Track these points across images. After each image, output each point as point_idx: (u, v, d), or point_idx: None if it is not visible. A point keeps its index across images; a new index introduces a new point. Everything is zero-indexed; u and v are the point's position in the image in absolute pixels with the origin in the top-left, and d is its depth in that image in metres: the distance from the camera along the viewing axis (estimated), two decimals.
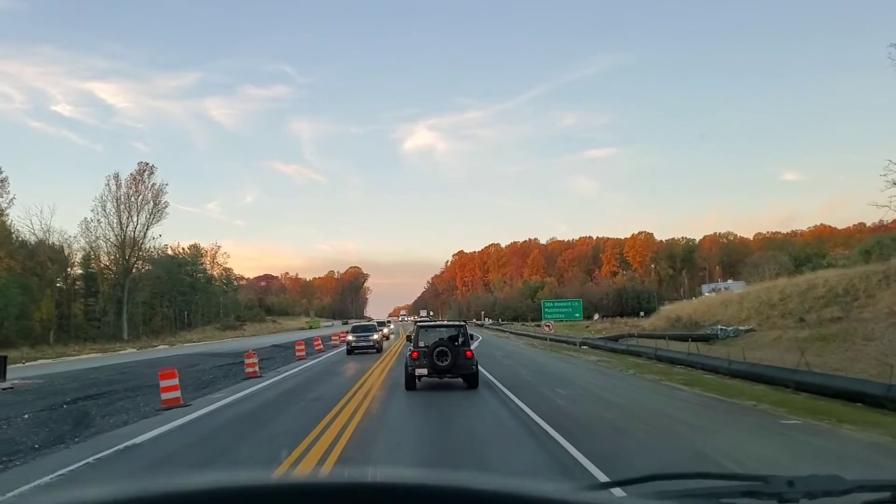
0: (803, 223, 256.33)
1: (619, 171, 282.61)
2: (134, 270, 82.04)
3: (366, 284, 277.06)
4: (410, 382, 17.34)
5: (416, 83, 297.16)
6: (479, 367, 18.18)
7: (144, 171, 78.99)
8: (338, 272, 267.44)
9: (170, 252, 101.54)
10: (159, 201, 79.39)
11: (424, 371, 17.17)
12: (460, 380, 17.54)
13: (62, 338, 69.00)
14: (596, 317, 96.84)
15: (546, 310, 36.29)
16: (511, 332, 68.34)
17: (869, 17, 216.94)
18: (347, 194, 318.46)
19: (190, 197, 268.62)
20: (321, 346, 36.29)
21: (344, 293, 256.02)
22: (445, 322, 27.26)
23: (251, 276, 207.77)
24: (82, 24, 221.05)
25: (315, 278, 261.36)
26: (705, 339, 37.69)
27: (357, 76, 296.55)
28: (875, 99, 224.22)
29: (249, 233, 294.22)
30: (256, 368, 23.05)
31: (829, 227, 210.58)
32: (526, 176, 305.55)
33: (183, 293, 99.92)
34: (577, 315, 37.01)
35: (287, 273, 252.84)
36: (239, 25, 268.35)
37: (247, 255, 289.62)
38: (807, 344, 27.37)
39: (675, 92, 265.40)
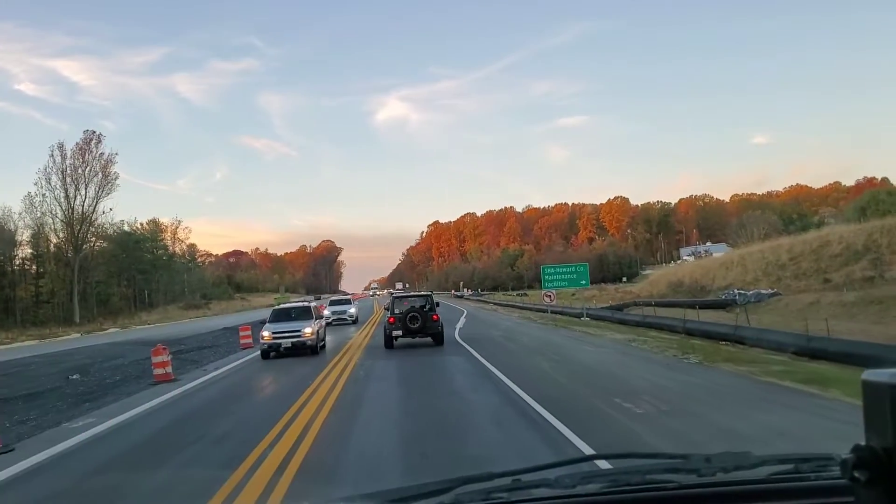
0: (775, 185, 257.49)
1: (591, 139, 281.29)
2: (86, 248, 75.80)
3: (340, 258, 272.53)
4: (389, 342, 21.39)
5: (387, 53, 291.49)
6: (486, 362, 16.98)
7: (91, 139, 72.47)
8: (310, 246, 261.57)
9: (127, 228, 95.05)
10: (109, 172, 73.01)
11: (400, 332, 21.10)
12: (430, 339, 21.57)
13: (5, 323, 63.13)
14: None
15: (546, 277, 30.74)
16: (496, 304, 63.49)
17: None
18: (320, 168, 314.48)
19: (159, 174, 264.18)
20: None
21: (317, 267, 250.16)
22: (415, 293, 32.39)
23: (221, 253, 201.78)
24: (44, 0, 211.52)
25: (287, 253, 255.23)
26: (721, 305, 33.37)
27: (327, 47, 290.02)
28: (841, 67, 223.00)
29: (221, 210, 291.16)
30: (168, 369, 16.86)
31: (806, 186, 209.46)
32: (500, 145, 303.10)
33: (142, 271, 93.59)
34: (584, 282, 31.49)
35: (258, 248, 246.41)
36: None
37: (219, 233, 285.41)
38: (859, 309, 23.08)
39: (646, 59, 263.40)
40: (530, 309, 44.81)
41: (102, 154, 72.83)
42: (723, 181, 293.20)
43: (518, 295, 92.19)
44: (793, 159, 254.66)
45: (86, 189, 71.70)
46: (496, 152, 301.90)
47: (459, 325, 29.68)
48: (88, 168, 71.67)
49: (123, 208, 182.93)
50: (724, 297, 36.28)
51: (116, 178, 74.40)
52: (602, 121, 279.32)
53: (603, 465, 3.65)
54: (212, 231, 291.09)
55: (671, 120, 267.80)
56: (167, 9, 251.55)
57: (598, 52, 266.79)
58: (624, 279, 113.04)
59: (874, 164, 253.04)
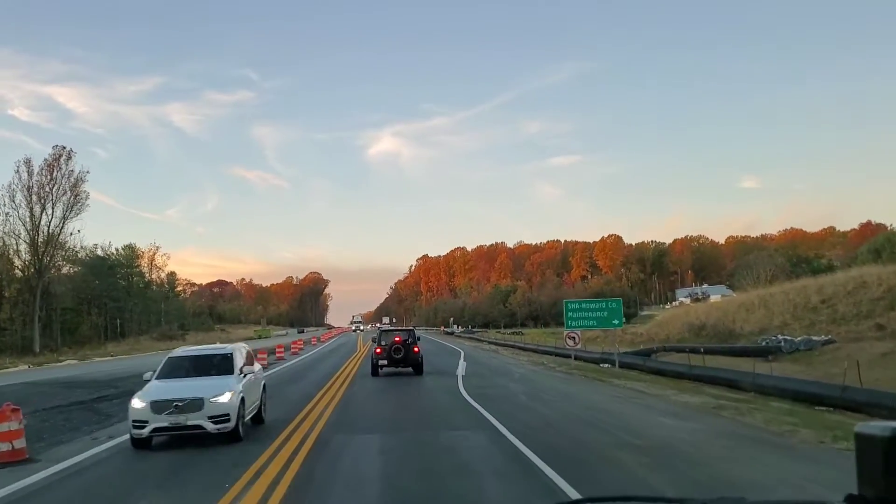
0: (767, 228, 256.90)
1: (583, 177, 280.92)
2: (52, 272, 70.50)
3: (326, 291, 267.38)
4: (375, 370, 23.28)
5: (381, 89, 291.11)
6: (520, 444, 10.68)
7: (60, 156, 67.58)
8: (297, 278, 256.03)
9: (100, 253, 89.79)
10: (79, 191, 67.98)
11: (385, 362, 23.01)
12: (411, 369, 23.17)
13: None
14: None
15: (570, 314, 24.39)
16: (494, 343, 58.20)
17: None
18: (311, 200, 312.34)
19: (149, 203, 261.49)
20: None
21: (303, 299, 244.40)
22: (400, 328, 32.75)
23: (204, 283, 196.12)
24: (40, 27, 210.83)
25: (272, 284, 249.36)
26: (761, 353, 28.65)
27: (322, 82, 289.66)
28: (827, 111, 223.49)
29: (210, 240, 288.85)
30: (15, 444, 10.69)
31: (801, 230, 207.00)
32: (491, 182, 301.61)
33: (115, 299, 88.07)
34: (617, 322, 25.22)
35: (243, 279, 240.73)
36: (202, 30, 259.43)
37: (207, 263, 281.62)
38: None
39: (638, 99, 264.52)
40: (536, 351, 39.70)
41: (72, 171, 67.96)
42: (714, 223, 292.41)
43: (513, 333, 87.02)
44: (781, 203, 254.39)
45: (53, 208, 66.70)
46: (487, 188, 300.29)
47: (460, 371, 24.29)
48: (57, 186, 66.75)
49: (109, 236, 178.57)
50: (763, 343, 31.63)
51: (87, 197, 69.54)
52: (593, 160, 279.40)
53: None
54: (199, 261, 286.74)
55: (662, 161, 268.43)
56: (163, 39, 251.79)
57: (589, 93, 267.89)
58: (624, 320, 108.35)
59: (864, 208, 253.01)
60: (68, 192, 67.10)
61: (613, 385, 18.27)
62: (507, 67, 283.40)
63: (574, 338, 24.25)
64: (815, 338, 30.49)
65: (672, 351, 28.60)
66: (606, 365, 27.32)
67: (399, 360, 22.85)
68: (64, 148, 69.09)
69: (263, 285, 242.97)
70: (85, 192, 69.14)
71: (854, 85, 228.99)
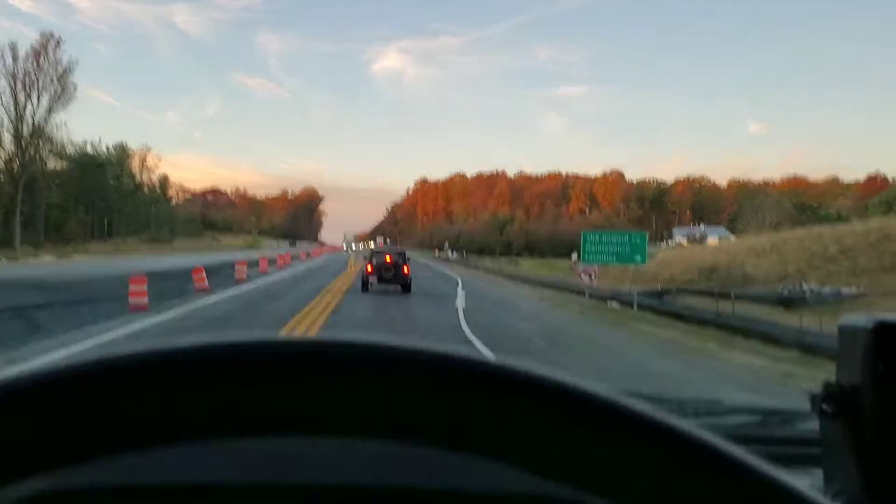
0: (766, 174, 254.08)
1: (589, 110, 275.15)
2: (39, 164, 67.79)
3: (322, 207, 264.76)
4: (364, 287, 23.95)
5: (390, 4, 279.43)
6: None
7: (48, 42, 63.79)
8: (292, 192, 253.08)
9: (90, 150, 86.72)
10: (66, 82, 64.48)
11: (375, 279, 23.73)
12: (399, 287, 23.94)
13: None
14: (574, 256, 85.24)
15: (588, 247, 22.62)
16: (493, 272, 55.96)
17: None
18: (312, 113, 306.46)
19: (148, 104, 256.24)
20: (205, 284, 19.31)
21: (297, 214, 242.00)
22: (392, 248, 33.49)
23: (198, 190, 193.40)
24: None
25: (267, 197, 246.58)
26: (782, 301, 26.65)
27: None
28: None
29: (207, 145, 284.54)
30: None
31: (804, 178, 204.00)
32: (496, 108, 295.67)
33: (104, 198, 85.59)
34: (640, 258, 22.30)
35: (238, 189, 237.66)
36: None
37: (203, 169, 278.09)
38: None
39: (650, 35, 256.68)
40: (539, 284, 37.53)
41: (60, 60, 64.29)
42: (716, 166, 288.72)
43: (508, 263, 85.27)
44: (785, 150, 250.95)
45: (39, 98, 63.37)
46: (491, 114, 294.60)
47: (460, 302, 20.88)
48: (43, 75, 63.20)
49: (108, 134, 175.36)
50: (784, 291, 29.54)
51: (75, 89, 66.11)
52: (601, 91, 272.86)
53: None
54: (195, 166, 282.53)
55: (669, 99, 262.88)
56: None
57: (603, 22, 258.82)
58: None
59: (869, 160, 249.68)
60: (55, 82, 63.70)
61: (642, 333, 15.61)
62: None
63: (590, 274, 21.65)
64: (844, 290, 28.52)
65: (686, 293, 26.43)
66: (616, 304, 25.37)
67: (389, 278, 23.69)
68: (52, 35, 65.35)
69: (258, 197, 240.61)
70: (73, 83, 65.80)
71: (861, 41, 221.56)
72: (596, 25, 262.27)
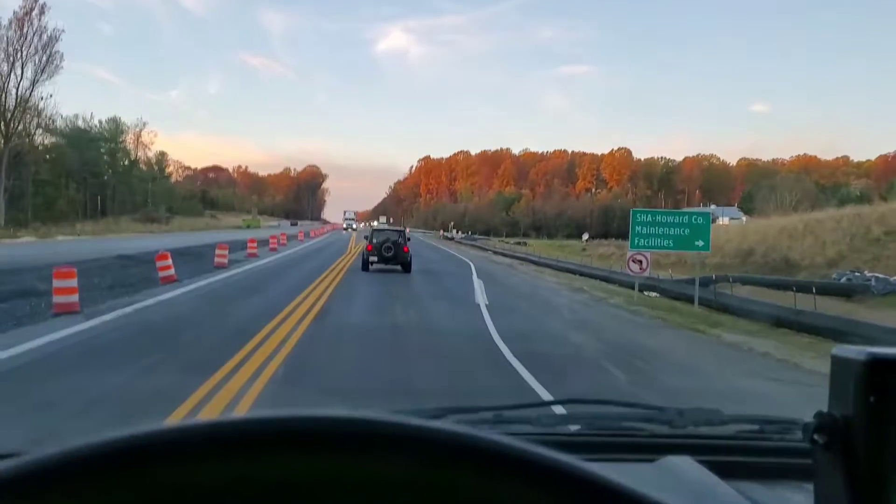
0: (775, 153, 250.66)
1: (595, 88, 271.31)
2: (24, 138, 64.51)
3: (325, 185, 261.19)
4: (365, 266, 23.95)
5: None
6: None
7: (33, 9, 60.15)
8: (294, 170, 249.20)
9: (81, 125, 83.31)
10: (52, 52, 60.98)
11: (375, 258, 23.78)
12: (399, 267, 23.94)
13: None
14: (586, 237, 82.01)
15: (637, 228, 17.68)
16: (501, 254, 52.63)
17: None
18: (315, 92, 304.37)
19: (152, 82, 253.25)
20: (170, 273, 15.45)
21: (300, 192, 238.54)
22: (392, 228, 34.58)
23: (199, 167, 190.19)
24: None
25: (269, 175, 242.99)
26: (842, 291, 23.47)
27: None
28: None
29: (210, 123, 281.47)
30: None
31: (814, 157, 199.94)
32: (500, 86, 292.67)
33: (96, 174, 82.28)
34: (702, 244, 17.42)
35: (239, 166, 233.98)
36: None
37: (206, 148, 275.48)
38: None
39: (657, 13, 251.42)
40: (561, 269, 33.61)
41: (45, 28, 60.72)
42: (725, 145, 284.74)
43: (517, 243, 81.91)
44: (795, 129, 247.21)
45: (23, 69, 59.93)
46: (496, 93, 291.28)
47: (481, 297, 16.11)
48: (28, 44, 59.69)
49: (111, 112, 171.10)
50: (842, 279, 26.21)
51: (61, 59, 62.51)
52: (607, 70, 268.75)
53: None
54: (198, 144, 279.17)
55: (676, 78, 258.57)
56: None
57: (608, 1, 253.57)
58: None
59: (879, 139, 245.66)
60: (40, 51, 60.16)
61: (723, 341, 11.84)
62: None
63: (641, 261, 17.55)
64: None
65: (737, 282, 22.93)
66: (655, 294, 22.16)
67: (389, 258, 23.61)
68: (37, 1, 61.57)
69: (260, 174, 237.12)
70: (59, 52, 62.18)
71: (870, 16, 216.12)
72: (601, 2, 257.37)
